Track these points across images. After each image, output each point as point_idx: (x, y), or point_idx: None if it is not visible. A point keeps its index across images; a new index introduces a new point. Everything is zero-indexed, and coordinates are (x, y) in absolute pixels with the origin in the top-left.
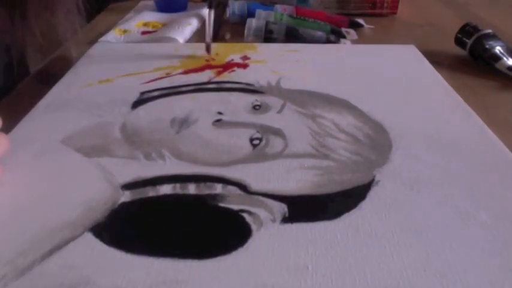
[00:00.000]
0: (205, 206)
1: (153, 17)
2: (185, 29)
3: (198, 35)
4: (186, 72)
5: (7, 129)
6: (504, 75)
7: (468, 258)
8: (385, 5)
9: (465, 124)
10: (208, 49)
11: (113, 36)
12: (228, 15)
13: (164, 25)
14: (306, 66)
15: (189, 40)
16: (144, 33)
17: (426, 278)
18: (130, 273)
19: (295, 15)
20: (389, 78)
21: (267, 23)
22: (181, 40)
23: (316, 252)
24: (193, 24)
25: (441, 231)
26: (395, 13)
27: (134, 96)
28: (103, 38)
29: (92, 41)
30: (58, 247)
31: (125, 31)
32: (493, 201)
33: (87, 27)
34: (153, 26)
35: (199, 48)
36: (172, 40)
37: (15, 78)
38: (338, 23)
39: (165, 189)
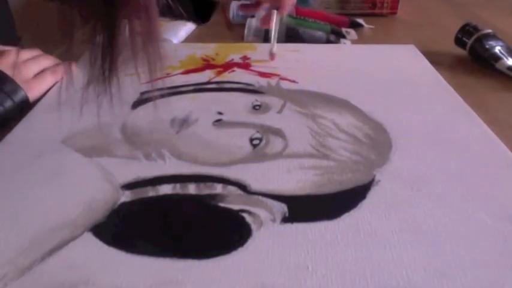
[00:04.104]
0: (205, 206)
1: None
2: (180, 29)
3: (195, 36)
4: (185, 73)
5: (7, 129)
6: (504, 75)
7: (468, 258)
8: (385, 5)
9: (465, 124)
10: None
11: None
12: (231, 16)
13: (160, 26)
14: (306, 66)
15: (186, 41)
16: None
17: (426, 277)
18: (130, 273)
19: (295, 15)
20: (389, 78)
21: None
22: (175, 41)
23: (316, 252)
24: (188, 25)
25: (441, 231)
26: (395, 13)
27: (134, 96)
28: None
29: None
30: (58, 247)
31: None
32: (493, 201)
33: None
34: None
35: (199, 49)
36: (166, 41)
37: None
38: (338, 23)
39: (165, 189)
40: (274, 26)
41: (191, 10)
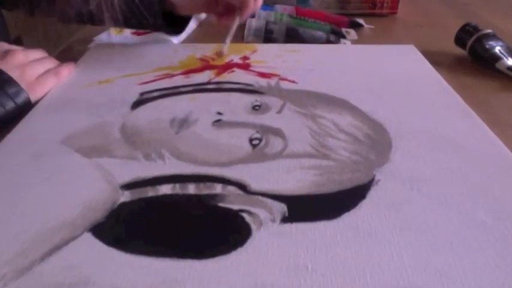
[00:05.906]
0: (205, 206)
1: None
2: None
3: (195, 36)
4: (185, 73)
5: (7, 129)
6: (504, 75)
7: (468, 258)
8: (385, 5)
9: (465, 124)
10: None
11: (109, 35)
12: None
13: None
14: (306, 66)
15: (186, 41)
16: (140, 33)
17: (426, 277)
18: (130, 273)
19: (295, 15)
20: (389, 78)
21: (267, 23)
22: (175, 41)
23: (316, 252)
24: (189, 25)
25: (441, 231)
26: (395, 13)
27: (134, 96)
28: (98, 37)
29: (90, 41)
30: (58, 247)
31: (120, 31)
32: (493, 201)
33: (86, 27)
34: None
35: (198, 49)
36: (167, 41)
37: None
38: (338, 23)
39: (165, 189)
40: (232, 28)
41: (161, 23)
